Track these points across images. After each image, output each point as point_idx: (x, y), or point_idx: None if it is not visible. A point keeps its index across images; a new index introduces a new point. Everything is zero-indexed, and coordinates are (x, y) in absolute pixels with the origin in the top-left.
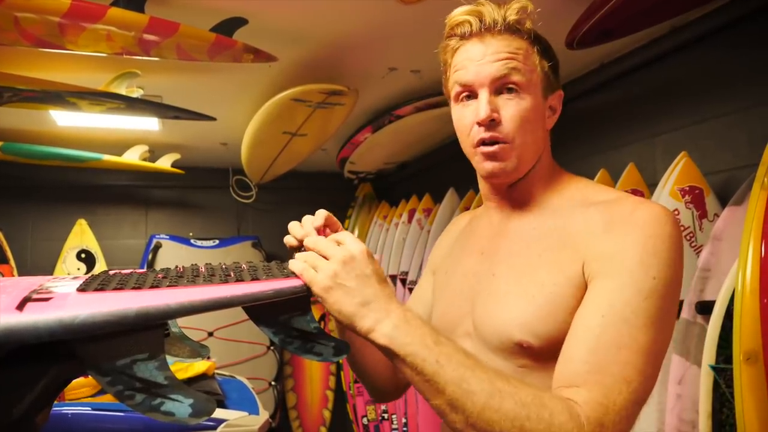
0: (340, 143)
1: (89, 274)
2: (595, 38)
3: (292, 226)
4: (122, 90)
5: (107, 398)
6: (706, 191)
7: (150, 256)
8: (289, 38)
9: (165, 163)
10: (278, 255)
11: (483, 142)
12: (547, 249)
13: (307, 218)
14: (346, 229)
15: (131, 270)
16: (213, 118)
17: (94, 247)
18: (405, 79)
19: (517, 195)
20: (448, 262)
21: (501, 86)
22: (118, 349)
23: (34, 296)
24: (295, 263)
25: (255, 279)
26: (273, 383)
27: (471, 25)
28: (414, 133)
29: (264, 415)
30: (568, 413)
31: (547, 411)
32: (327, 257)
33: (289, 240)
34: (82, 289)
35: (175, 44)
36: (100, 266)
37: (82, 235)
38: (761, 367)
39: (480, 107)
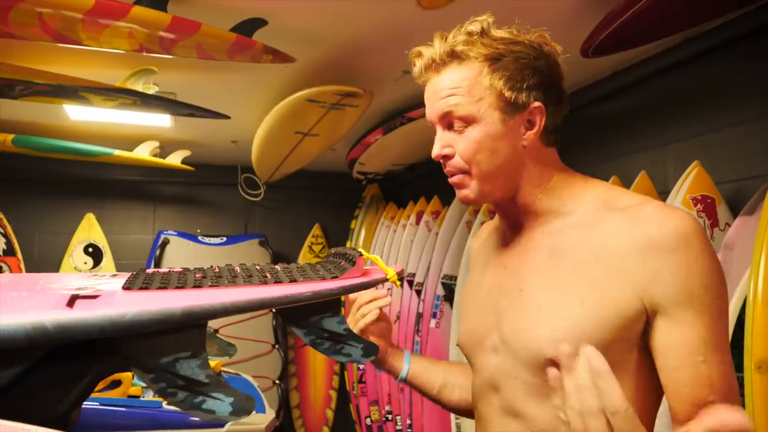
0: (350, 144)
1: (131, 273)
2: (612, 47)
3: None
4: (139, 86)
5: (115, 393)
6: (717, 200)
7: (158, 252)
8: (306, 39)
9: (175, 159)
10: (285, 253)
11: (449, 175)
12: (580, 265)
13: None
14: (352, 230)
15: (168, 269)
16: (227, 117)
17: (102, 242)
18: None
19: (517, 211)
20: (472, 276)
21: (449, 122)
22: (162, 346)
23: (82, 293)
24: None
25: (293, 281)
26: (277, 382)
27: (418, 66)
28: (425, 136)
29: (270, 414)
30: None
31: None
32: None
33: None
34: (127, 287)
35: (196, 43)
36: (107, 261)
37: (89, 229)
38: None
39: (434, 146)
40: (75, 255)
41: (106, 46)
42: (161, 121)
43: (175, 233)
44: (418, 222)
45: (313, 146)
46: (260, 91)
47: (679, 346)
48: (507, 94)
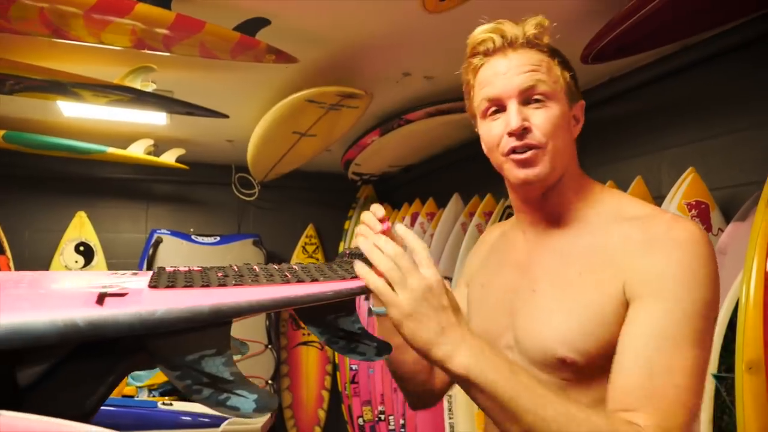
0: (347, 144)
1: (152, 271)
2: (612, 54)
3: (362, 228)
4: (137, 84)
5: None
6: (711, 206)
7: (151, 251)
8: (309, 40)
9: (169, 158)
10: (278, 253)
11: (514, 151)
12: (588, 268)
13: (367, 215)
14: (345, 231)
15: (188, 267)
16: (226, 116)
17: (93, 240)
18: (418, 84)
19: (549, 206)
20: (484, 275)
21: (528, 97)
22: (188, 344)
23: (109, 291)
24: (373, 279)
25: (314, 280)
26: (270, 382)
27: (493, 42)
28: (422, 138)
29: (266, 414)
30: None
31: None
32: (405, 277)
33: (363, 244)
34: (153, 285)
35: (199, 42)
36: (98, 260)
37: (81, 227)
38: (762, 377)
39: (511, 118)
40: (66, 253)
41: (106, 43)
42: (156, 119)
43: (168, 232)
44: (413, 223)
45: (309, 146)
46: (259, 91)
47: (634, 332)
48: (571, 84)
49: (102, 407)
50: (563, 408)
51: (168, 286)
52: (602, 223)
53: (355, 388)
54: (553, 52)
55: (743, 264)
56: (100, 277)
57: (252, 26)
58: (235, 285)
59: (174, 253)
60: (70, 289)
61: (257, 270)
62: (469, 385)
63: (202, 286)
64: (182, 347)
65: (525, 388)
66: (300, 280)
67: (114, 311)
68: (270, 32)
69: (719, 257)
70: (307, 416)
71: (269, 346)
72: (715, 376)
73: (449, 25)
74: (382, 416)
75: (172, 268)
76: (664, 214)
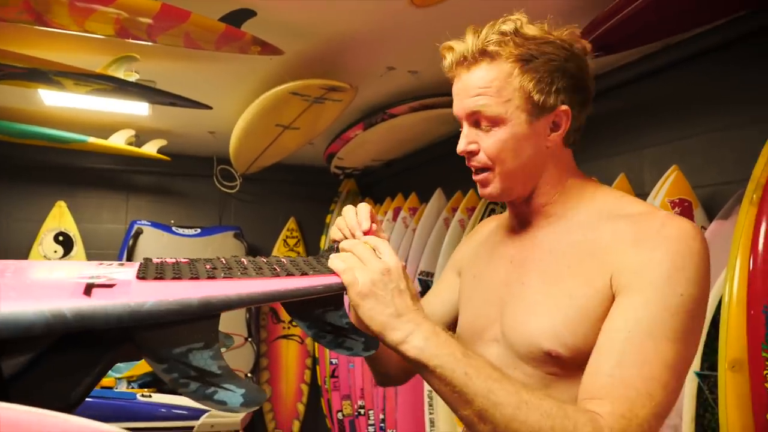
0: (330, 138)
1: (139, 262)
2: (594, 52)
3: (339, 223)
4: (120, 73)
5: None
6: (694, 204)
7: (131, 242)
8: (294, 32)
9: (151, 148)
10: (259, 246)
11: (473, 170)
12: (576, 261)
13: (349, 211)
14: (327, 225)
15: (175, 259)
16: (209, 107)
17: (73, 230)
18: (402, 78)
19: (530, 210)
20: (476, 267)
21: (476, 120)
22: (176, 336)
23: (97, 282)
24: (337, 262)
25: (303, 274)
26: (249, 375)
27: (447, 60)
28: (406, 133)
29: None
30: (592, 425)
31: (571, 423)
32: (364, 263)
33: (335, 234)
34: (141, 276)
35: (184, 32)
36: (78, 250)
37: (60, 217)
38: (746, 375)
39: (460, 141)
40: (45, 243)
41: (90, 31)
42: (138, 109)
43: (149, 223)
44: (395, 218)
45: (292, 139)
46: (243, 83)
47: (612, 323)
48: (535, 96)
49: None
50: (515, 392)
51: (156, 278)
52: (594, 220)
53: (335, 382)
54: (519, 58)
55: (726, 262)
56: (86, 267)
57: (237, 17)
58: (224, 278)
59: (154, 245)
60: (56, 280)
61: (246, 263)
62: (422, 369)
63: (191, 278)
64: (170, 340)
65: (477, 371)
66: (290, 274)
67: (102, 302)
68: (255, 24)
69: None
70: (286, 410)
71: (249, 339)
72: (698, 374)
73: (436, 19)
74: (362, 411)
75: (158, 260)
76: (659, 212)
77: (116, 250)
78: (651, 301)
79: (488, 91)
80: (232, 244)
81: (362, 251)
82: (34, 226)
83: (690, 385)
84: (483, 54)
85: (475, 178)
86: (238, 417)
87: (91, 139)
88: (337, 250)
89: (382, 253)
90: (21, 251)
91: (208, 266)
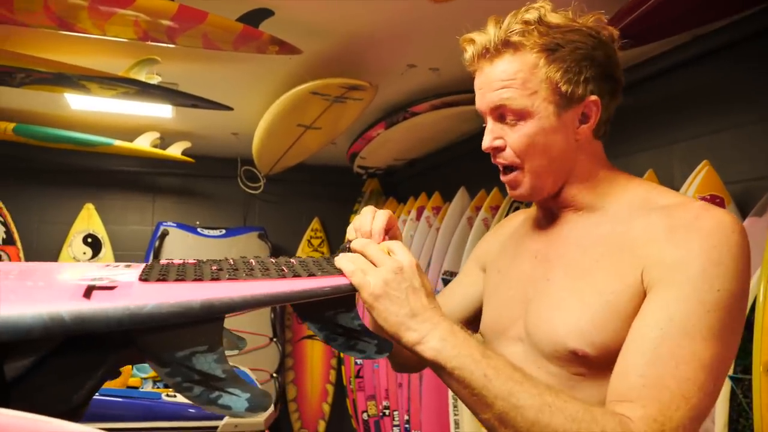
0: (352, 138)
1: (145, 264)
2: (620, 44)
3: (357, 221)
4: (142, 76)
5: (114, 384)
6: (726, 200)
7: (157, 243)
8: (312, 31)
9: (175, 150)
10: (284, 246)
11: (501, 169)
12: (605, 254)
13: (367, 214)
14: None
15: (183, 260)
16: (230, 108)
17: (101, 232)
18: (423, 76)
19: (560, 204)
20: (501, 262)
21: (501, 115)
22: (179, 340)
23: (98, 284)
24: (345, 263)
25: (311, 275)
26: (274, 375)
27: (470, 52)
28: (428, 131)
29: (259, 414)
30: (621, 429)
31: (599, 427)
32: (376, 264)
33: (350, 234)
34: (144, 278)
35: (202, 33)
36: (106, 251)
37: (89, 219)
38: None
39: (484, 137)
40: (74, 245)
41: (110, 35)
42: (162, 111)
43: (175, 224)
44: (418, 218)
45: (314, 139)
46: (263, 83)
47: (644, 320)
48: (563, 87)
49: (107, 398)
50: (537, 395)
51: (159, 280)
52: (625, 213)
53: (360, 382)
54: (544, 47)
55: (761, 261)
56: (92, 269)
57: (255, 17)
58: (228, 279)
59: (180, 246)
60: (58, 282)
61: (253, 263)
62: (440, 370)
63: (195, 279)
64: (173, 343)
65: (497, 373)
66: (297, 275)
67: (102, 305)
68: (273, 23)
69: None
70: (312, 410)
71: (274, 339)
72: (731, 378)
73: (456, 15)
74: (387, 411)
75: (166, 261)
76: (693, 203)
77: (143, 252)
78: (686, 297)
79: (513, 83)
80: (257, 244)
81: (373, 251)
82: (63, 229)
83: (723, 389)
84: (506, 45)
85: (503, 179)
86: (261, 417)
87: (117, 142)
88: (350, 251)
89: (394, 252)
90: (51, 253)
91: (213, 267)
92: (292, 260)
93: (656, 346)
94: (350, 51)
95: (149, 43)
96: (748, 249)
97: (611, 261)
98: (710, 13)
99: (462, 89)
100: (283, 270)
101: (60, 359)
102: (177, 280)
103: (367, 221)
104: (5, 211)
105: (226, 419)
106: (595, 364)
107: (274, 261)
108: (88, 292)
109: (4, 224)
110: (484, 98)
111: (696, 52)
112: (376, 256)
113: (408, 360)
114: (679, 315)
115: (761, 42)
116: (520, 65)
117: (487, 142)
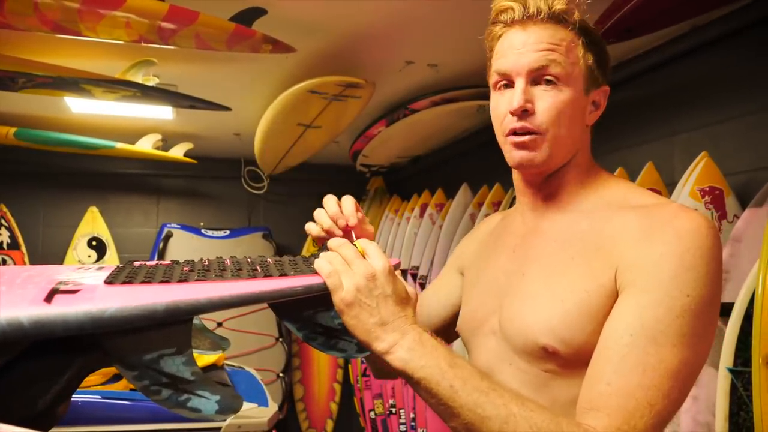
0: (354, 136)
1: (116, 266)
2: (616, 36)
3: (319, 213)
4: (138, 78)
5: (117, 387)
6: (726, 192)
7: (161, 245)
8: (307, 29)
9: (178, 152)
10: (289, 246)
11: (514, 132)
12: (580, 252)
13: (332, 203)
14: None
15: (156, 262)
16: (228, 108)
17: (105, 235)
18: (422, 73)
19: (550, 190)
20: (479, 261)
21: (539, 77)
22: (146, 343)
23: (62, 288)
24: (322, 263)
25: (283, 274)
26: (281, 375)
27: (514, 12)
28: (428, 128)
29: (273, 407)
30: None
31: None
32: (350, 266)
33: (312, 228)
34: (109, 281)
35: (194, 33)
36: (111, 254)
37: (93, 222)
38: None
39: (514, 96)
40: (79, 248)
41: (104, 37)
42: (163, 113)
43: (179, 226)
44: (422, 215)
45: (315, 138)
46: (261, 83)
47: (613, 324)
48: (594, 69)
49: (116, 401)
50: (503, 405)
51: (125, 282)
52: (603, 211)
53: (367, 381)
54: (581, 31)
55: (760, 252)
56: (62, 271)
57: (248, 16)
58: (196, 280)
59: (184, 247)
60: (22, 286)
61: (228, 263)
62: (408, 380)
63: (162, 281)
64: (139, 346)
65: (464, 383)
66: (268, 275)
67: (62, 309)
68: (268, 22)
69: (735, 245)
70: (319, 409)
71: (280, 339)
72: (731, 371)
73: (454, 11)
74: (393, 410)
75: (139, 263)
76: (670, 204)
77: (148, 254)
78: (656, 303)
79: (559, 48)
80: (262, 244)
81: (348, 253)
82: (68, 232)
83: (723, 382)
84: (551, 16)
85: (517, 140)
86: (264, 417)
87: (119, 145)
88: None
89: (369, 255)
90: (56, 257)
91: (185, 269)
92: (268, 260)
93: (625, 353)
94: (347, 48)
95: (144, 44)
96: (721, 253)
97: (586, 259)
98: (709, 1)
99: (461, 85)
100: (256, 270)
101: (24, 364)
102: (143, 282)
103: (333, 206)
104: (9, 216)
105: (229, 420)
106: (566, 361)
107: (249, 261)
108: (50, 296)
109: (9, 228)
110: (523, 57)
111: (695, 42)
112: (351, 259)
113: (385, 365)
114: (649, 321)
115: (760, 32)
116: (565, 35)
117: (519, 101)
